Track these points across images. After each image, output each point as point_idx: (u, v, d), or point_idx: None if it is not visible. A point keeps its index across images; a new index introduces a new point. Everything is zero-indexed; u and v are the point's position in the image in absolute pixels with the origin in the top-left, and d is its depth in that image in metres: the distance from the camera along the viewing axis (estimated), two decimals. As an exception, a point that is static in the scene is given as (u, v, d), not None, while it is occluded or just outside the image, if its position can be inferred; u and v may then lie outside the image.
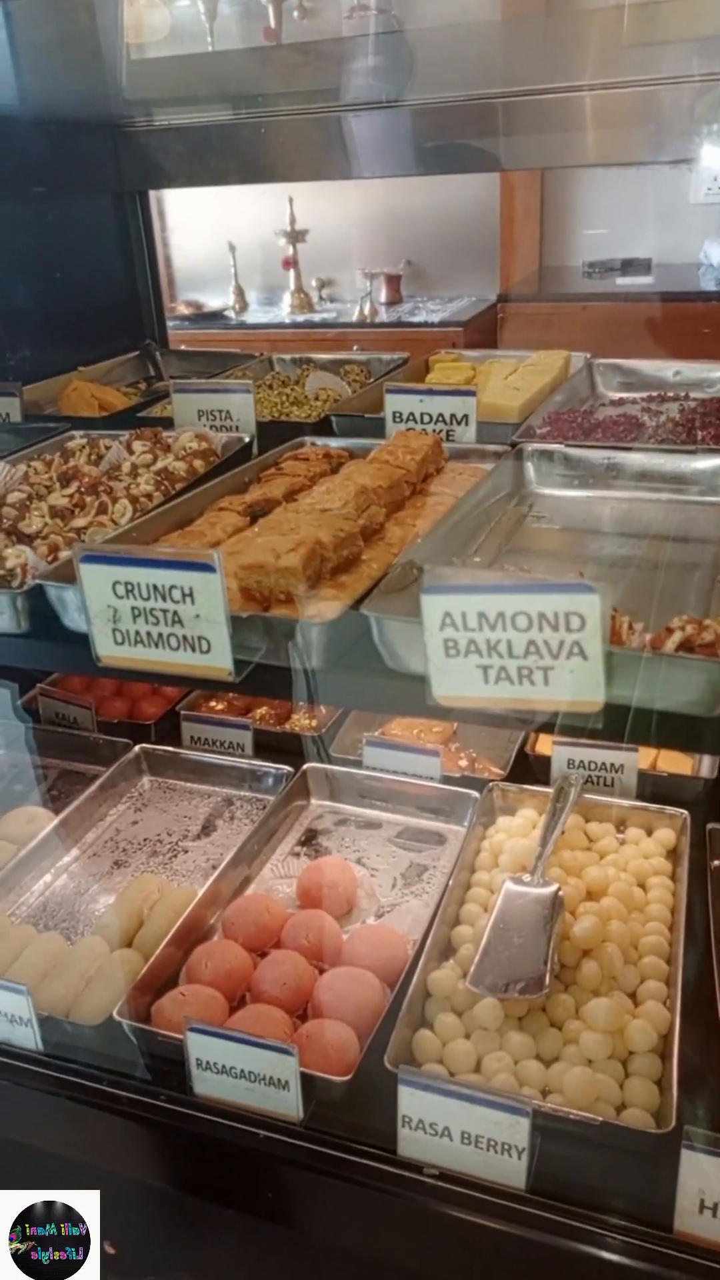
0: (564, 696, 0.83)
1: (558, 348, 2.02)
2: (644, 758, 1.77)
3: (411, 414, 1.57)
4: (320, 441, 1.53)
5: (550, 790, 1.64)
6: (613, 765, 1.72)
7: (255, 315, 5.04)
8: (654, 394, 1.87)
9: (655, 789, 1.71)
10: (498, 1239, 1.10)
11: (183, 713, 1.91)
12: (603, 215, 4.96)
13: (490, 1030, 1.28)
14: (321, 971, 1.36)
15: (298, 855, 1.66)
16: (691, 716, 0.85)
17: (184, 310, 5.02)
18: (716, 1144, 1.02)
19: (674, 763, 1.78)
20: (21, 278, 2.08)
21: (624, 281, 4.35)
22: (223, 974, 1.34)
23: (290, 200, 4.79)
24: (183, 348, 2.87)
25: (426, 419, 1.56)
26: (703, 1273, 1.03)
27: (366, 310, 4.75)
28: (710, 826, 1.59)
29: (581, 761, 1.72)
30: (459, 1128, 1.11)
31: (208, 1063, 1.19)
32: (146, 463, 1.41)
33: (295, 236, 4.84)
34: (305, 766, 1.79)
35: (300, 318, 4.87)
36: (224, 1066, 1.19)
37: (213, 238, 5.05)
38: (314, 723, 1.95)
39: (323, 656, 0.94)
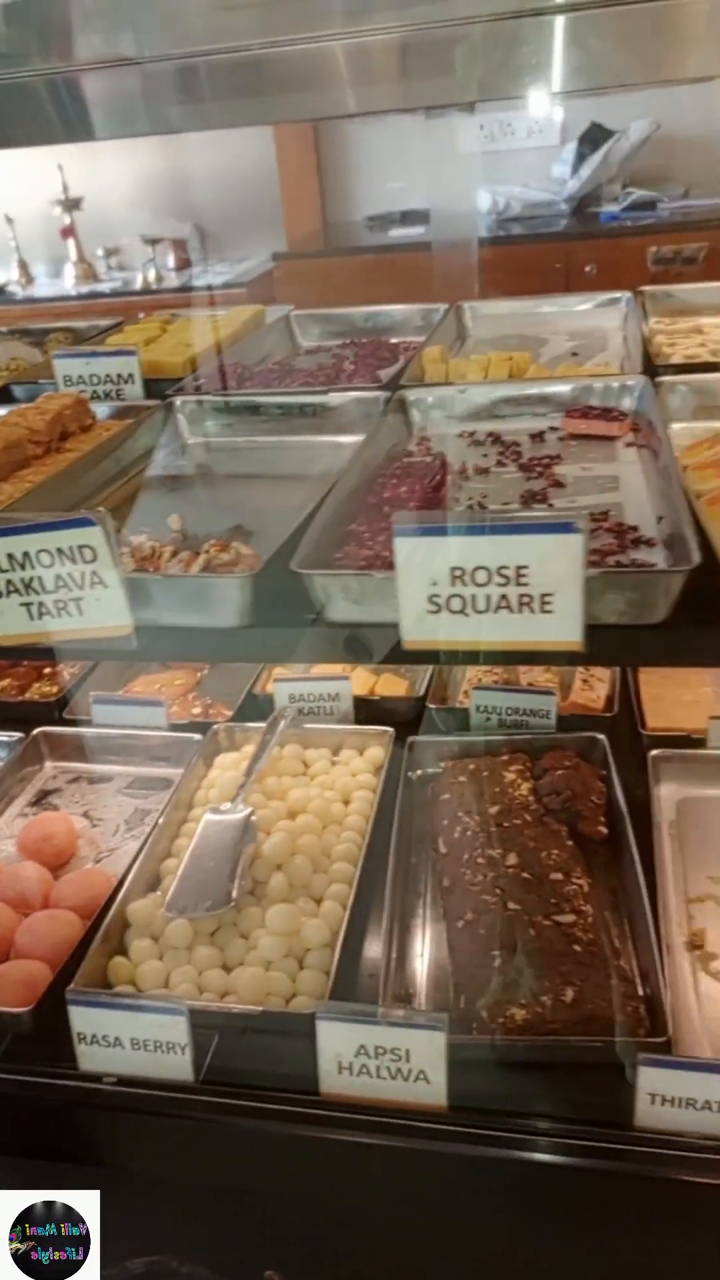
0: (98, 624, 0.91)
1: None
2: (363, 684, 1.89)
3: (81, 376, 1.61)
4: (-16, 410, 1.56)
5: (268, 725, 1.74)
6: (330, 695, 1.83)
7: (43, 288, 4.93)
8: (347, 341, 1.97)
9: (374, 713, 1.84)
10: (172, 1127, 1.20)
11: None
12: (386, 169, 5.04)
13: (181, 949, 1.37)
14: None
15: (26, 815, 1.71)
16: (225, 629, 0.94)
17: (-39, 288, 4.86)
18: (345, 1013, 1.15)
19: (391, 686, 1.91)
20: None
21: (397, 233, 4.46)
22: None
23: (60, 168, 4.69)
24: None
25: (95, 380, 1.61)
26: (345, 1125, 1.16)
27: (151, 276, 4.72)
28: (411, 739, 1.72)
29: (301, 694, 1.83)
30: (128, 1035, 1.20)
31: None
32: None
33: (70, 205, 4.76)
34: (35, 731, 1.83)
35: (85, 288, 4.79)
36: None
37: (-11, 211, 4.91)
38: (55, 689, 1.99)
39: None
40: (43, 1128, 1.27)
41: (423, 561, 0.79)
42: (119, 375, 1.59)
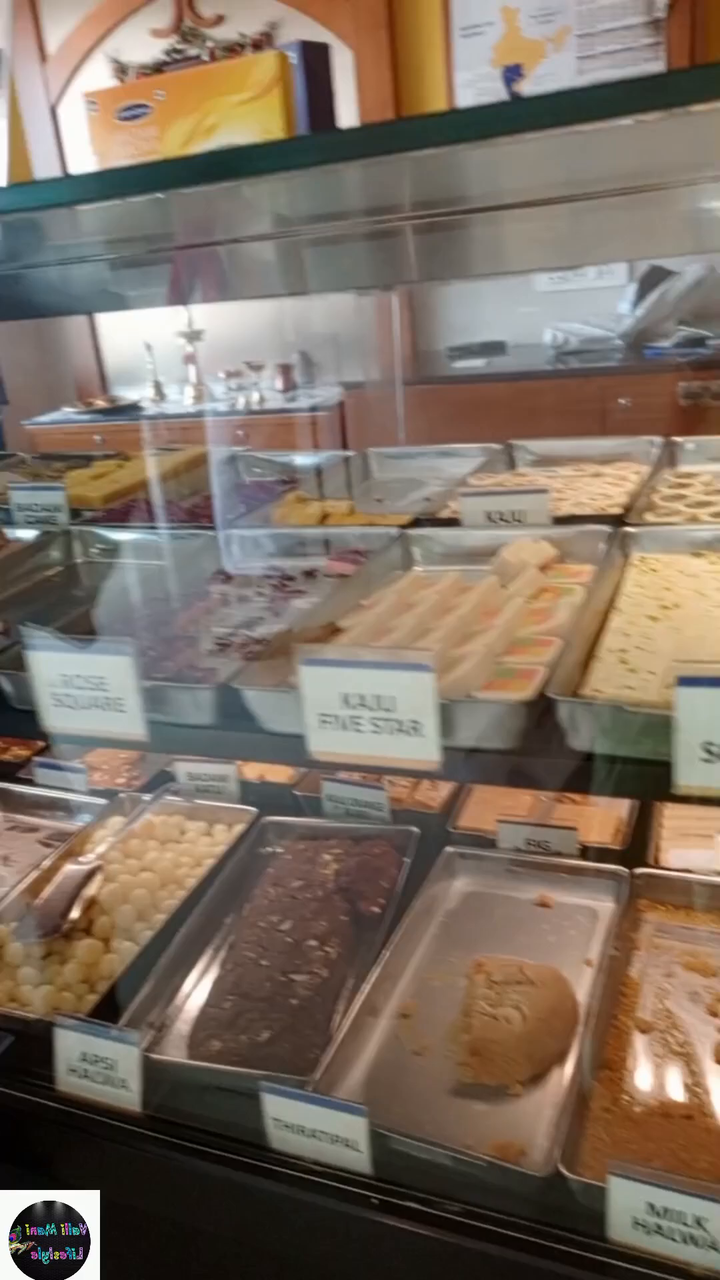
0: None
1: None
2: (254, 770, 2.20)
3: (28, 504, 2.07)
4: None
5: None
6: (218, 776, 2.15)
7: (173, 405, 5.69)
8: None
9: (258, 795, 2.14)
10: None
11: None
12: (467, 302, 5.51)
13: (12, 966, 1.72)
14: None
15: (-42, 850, 2.12)
16: None
17: (101, 404, 5.73)
18: (74, 1025, 1.45)
19: (275, 773, 2.20)
20: None
21: (462, 364, 4.86)
22: None
23: (188, 307, 5.45)
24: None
25: (37, 507, 2.06)
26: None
27: (254, 398, 5.35)
28: (264, 820, 2.02)
29: (197, 774, 2.16)
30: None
31: None
32: None
33: (192, 336, 5.50)
34: (-15, 783, 2.26)
35: (201, 407, 5.49)
36: None
37: (135, 339, 5.78)
38: (27, 752, 2.42)
39: None
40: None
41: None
42: (53, 505, 2.04)
